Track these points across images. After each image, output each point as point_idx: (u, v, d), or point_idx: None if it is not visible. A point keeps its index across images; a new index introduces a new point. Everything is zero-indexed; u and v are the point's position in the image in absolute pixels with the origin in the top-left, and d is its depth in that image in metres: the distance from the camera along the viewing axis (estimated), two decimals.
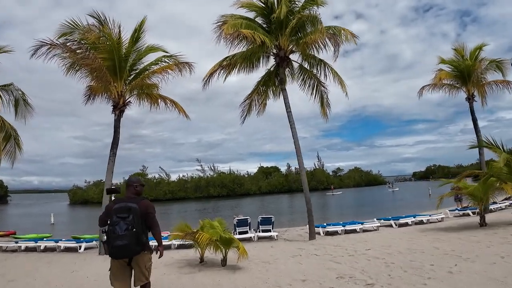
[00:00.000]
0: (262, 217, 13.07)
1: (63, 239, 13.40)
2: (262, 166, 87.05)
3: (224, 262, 7.28)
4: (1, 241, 13.37)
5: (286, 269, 7.04)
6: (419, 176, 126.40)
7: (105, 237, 3.77)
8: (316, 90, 14.35)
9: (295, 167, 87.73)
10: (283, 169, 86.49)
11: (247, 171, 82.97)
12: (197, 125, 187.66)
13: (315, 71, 14.04)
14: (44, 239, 14.56)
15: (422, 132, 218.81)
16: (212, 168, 77.66)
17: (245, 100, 14.62)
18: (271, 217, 13.11)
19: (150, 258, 4.05)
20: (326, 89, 14.28)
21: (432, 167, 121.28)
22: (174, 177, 73.87)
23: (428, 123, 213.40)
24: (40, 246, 12.38)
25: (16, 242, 12.57)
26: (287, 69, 13.62)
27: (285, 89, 13.05)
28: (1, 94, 12.89)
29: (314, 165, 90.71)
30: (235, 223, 12.70)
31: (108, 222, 3.81)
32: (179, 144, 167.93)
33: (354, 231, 14.03)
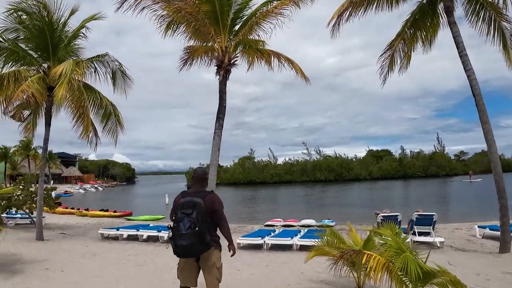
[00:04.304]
0: (419, 214, 9.17)
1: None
2: (372, 150, 79.89)
3: None
4: (104, 227, 12.26)
5: None
6: None
7: (171, 233, 3.37)
8: (494, 27, 9.54)
9: (410, 150, 78.59)
10: (395, 152, 78.21)
11: (355, 155, 76.89)
12: (298, 109, 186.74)
13: None
14: (150, 224, 13.31)
15: None
16: (318, 151, 73.99)
17: (385, 52, 10.58)
18: (432, 215, 9.11)
19: (220, 257, 3.64)
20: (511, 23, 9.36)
21: None
22: (279, 161, 72.80)
23: None
24: (143, 235, 10.77)
25: (117, 229, 11.22)
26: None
27: (455, 23, 8.73)
28: (97, 66, 11.47)
29: (435, 147, 79.81)
30: (380, 221, 9.11)
31: (173, 217, 3.47)
32: (281, 129, 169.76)
33: None
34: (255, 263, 7.38)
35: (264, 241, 9.00)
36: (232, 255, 3.67)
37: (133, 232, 11.03)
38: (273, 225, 14.33)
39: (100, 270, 6.70)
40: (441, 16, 10.02)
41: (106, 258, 7.95)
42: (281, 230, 11.21)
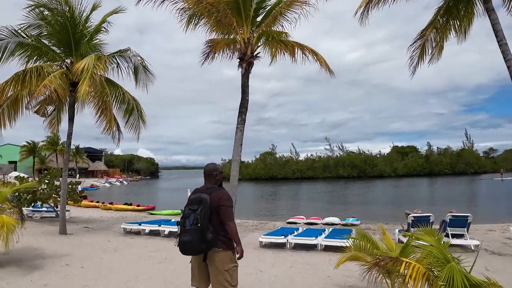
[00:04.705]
0: (452, 215, 8.60)
1: None
2: (397, 146, 77.97)
3: None
4: (127, 221, 12.25)
5: None
6: None
7: (179, 229, 3.37)
8: None
9: (437, 147, 76.11)
10: (422, 149, 76.15)
11: (380, 151, 75.20)
12: (319, 105, 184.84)
13: None
14: (172, 220, 13.27)
15: None
16: (340, 147, 72.77)
17: (416, 42, 10.00)
18: (467, 217, 8.53)
19: (232, 259, 3.42)
20: None
21: None
22: (301, 157, 72.06)
23: None
24: (164, 230, 10.69)
25: (140, 224, 11.19)
26: None
27: (493, 9, 8.08)
28: (119, 61, 11.40)
29: (463, 144, 77.06)
30: (410, 221, 8.60)
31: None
32: (303, 125, 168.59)
33: None
34: (278, 263, 7.09)
35: (287, 240, 8.67)
36: (238, 258, 3.50)
37: (155, 227, 10.98)
38: (295, 223, 14.00)
39: (120, 267, 6.59)
40: (476, 3, 9.35)
41: (127, 254, 7.86)
42: (304, 229, 10.86)
